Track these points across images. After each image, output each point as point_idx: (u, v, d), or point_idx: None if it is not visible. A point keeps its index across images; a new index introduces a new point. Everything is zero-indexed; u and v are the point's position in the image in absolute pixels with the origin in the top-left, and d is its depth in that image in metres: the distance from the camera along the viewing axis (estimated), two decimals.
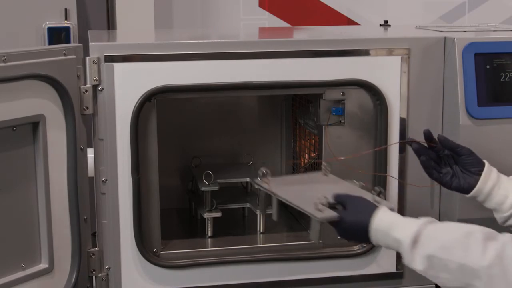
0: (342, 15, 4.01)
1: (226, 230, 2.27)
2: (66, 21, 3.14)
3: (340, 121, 2.08)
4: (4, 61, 1.72)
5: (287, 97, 2.50)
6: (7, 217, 1.80)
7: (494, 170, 1.81)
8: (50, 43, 3.09)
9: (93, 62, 1.91)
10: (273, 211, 1.85)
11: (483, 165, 1.81)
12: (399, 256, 2.08)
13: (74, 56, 1.89)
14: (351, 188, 1.82)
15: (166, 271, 2.03)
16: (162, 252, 2.05)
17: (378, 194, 1.76)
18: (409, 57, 2.06)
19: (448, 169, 1.84)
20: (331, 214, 1.64)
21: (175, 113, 2.43)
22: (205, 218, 2.21)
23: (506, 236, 1.46)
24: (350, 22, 4.01)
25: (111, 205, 1.97)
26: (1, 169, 1.78)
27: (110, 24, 3.63)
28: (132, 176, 1.95)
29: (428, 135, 1.83)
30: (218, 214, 2.20)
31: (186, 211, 2.47)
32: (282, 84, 2.02)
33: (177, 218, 2.45)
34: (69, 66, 1.88)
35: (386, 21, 2.67)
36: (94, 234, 2.01)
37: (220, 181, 2.21)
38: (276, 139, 2.56)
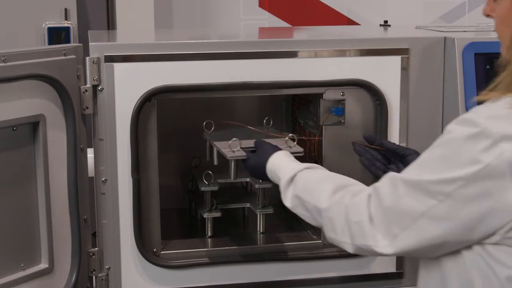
0: (342, 15, 4.02)
1: (226, 230, 2.26)
2: (66, 21, 3.14)
3: (340, 121, 2.08)
4: (4, 61, 1.72)
5: (287, 97, 2.50)
6: (7, 217, 1.80)
7: None
8: (50, 43, 3.10)
9: (93, 62, 1.91)
10: (214, 158, 2.11)
11: None
12: (399, 256, 2.09)
13: (74, 56, 1.89)
14: (275, 140, 2.02)
15: (166, 271, 2.03)
16: (162, 252, 2.05)
17: (294, 140, 2.01)
18: (409, 57, 2.06)
19: (394, 169, 1.88)
20: (239, 154, 1.95)
21: (175, 113, 2.43)
22: (205, 218, 2.21)
23: (356, 186, 1.59)
24: (350, 22, 4.01)
25: (111, 205, 1.97)
26: (1, 169, 1.78)
27: (110, 24, 3.63)
28: (132, 176, 1.95)
29: (368, 138, 1.95)
30: (218, 214, 2.20)
31: (186, 211, 2.47)
32: (282, 84, 2.02)
33: (177, 218, 2.45)
34: (69, 66, 1.88)
35: (386, 21, 2.67)
36: (94, 234, 2.01)
37: (220, 181, 2.21)
38: None
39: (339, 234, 1.54)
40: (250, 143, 1.97)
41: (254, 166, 1.90)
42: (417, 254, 1.47)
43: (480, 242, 1.38)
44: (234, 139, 1.98)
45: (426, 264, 1.51)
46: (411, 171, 1.44)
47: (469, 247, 1.40)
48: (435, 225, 1.38)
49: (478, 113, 1.35)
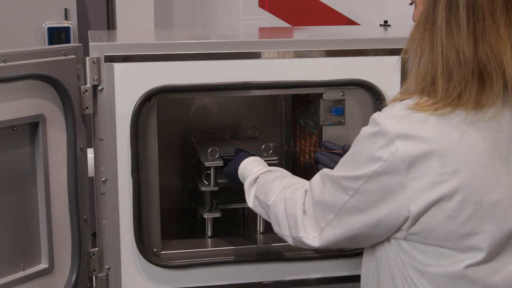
0: (342, 15, 4.02)
1: (226, 230, 2.27)
2: (66, 21, 3.14)
3: (340, 121, 2.08)
4: (4, 61, 1.72)
5: (287, 97, 2.50)
6: (7, 217, 1.80)
7: None
8: (50, 43, 3.10)
9: (93, 62, 1.91)
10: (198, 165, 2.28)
11: None
12: None
13: (74, 56, 1.89)
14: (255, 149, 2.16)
15: (166, 271, 2.03)
16: (162, 252, 2.05)
17: (270, 149, 2.13)
18: (409, 57, 2.05)
19: None
20: (217, 161, 2.11)
21: (175, 113, 2.43)
22: (205, 218, 2.21)
23: (299, 185, 1.69)
24: (350, 22, 4.01)
25: (111, 205, 1.97)
26: (1, 169, 1.78)
27: (110, 24, 3.63)
28: (132, 176, 1.95)
29: (327, 147, 2.01)
30: (218, 214, 2.20)
31: (186, 211, 2.47)
32: (282, 84, 2.02)
33: (177, 218, 2.45)
34: (69, 66, 1.88)
35: (386, 21, 2.67)
36: (94, 234, 2.01)
37: (220, 181, 2.21)
38: (276, 139, 2.56)
39: (282, 228, 1.66)
40: (232, 152, 2.08)
41: (229, 172, 2.00)
42: (341, 246, 1.57)
43: (390, 237, 1.46)
44: (213, 148, 2.10)
45: (366, 249, 1.59)
46: (335, 168, 1.53)
47: (388, 240, 1.48)
48: (350, 219, 1.49)
49: (380, 113, 1.44)
